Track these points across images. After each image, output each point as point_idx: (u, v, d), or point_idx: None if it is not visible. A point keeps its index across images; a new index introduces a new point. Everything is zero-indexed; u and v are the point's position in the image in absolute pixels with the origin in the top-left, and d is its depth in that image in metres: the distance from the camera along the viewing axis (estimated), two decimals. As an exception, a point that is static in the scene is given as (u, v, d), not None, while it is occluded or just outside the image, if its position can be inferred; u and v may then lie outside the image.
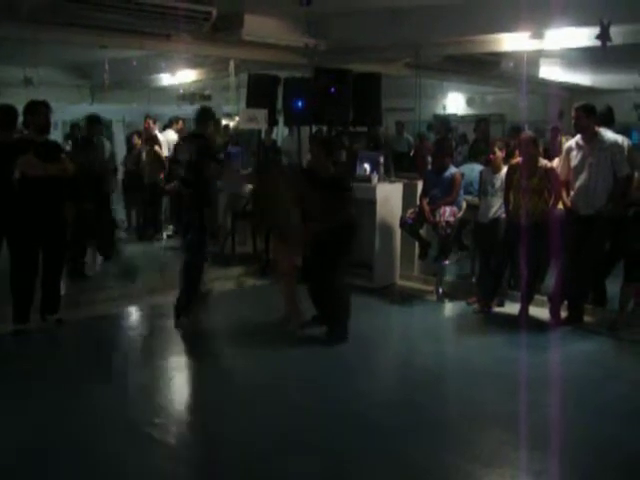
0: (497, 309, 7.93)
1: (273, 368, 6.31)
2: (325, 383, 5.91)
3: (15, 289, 6.97)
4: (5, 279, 7.05)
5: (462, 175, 8.35)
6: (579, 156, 7.20)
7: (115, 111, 17.84)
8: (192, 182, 7.12)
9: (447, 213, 8.03)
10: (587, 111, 7.13)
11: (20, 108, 7.19)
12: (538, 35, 8.58)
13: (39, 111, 6.98)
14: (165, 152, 11.96)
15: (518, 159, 7.55)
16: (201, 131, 7.34)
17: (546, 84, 13.38)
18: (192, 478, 4.46)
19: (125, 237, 12.37)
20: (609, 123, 7.51)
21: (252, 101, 10.30)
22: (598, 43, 7.98)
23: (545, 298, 7.66)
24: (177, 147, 10.66)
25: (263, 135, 11.63)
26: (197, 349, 6.88)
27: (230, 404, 5.55)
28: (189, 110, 15.72)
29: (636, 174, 7.21)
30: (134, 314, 8.17)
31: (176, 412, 5.42)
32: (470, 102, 18.32)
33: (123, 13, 8.09)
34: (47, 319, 7.25)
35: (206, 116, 7.43)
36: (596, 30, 7.85)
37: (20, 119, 7.20)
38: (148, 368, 6.30)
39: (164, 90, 14.28)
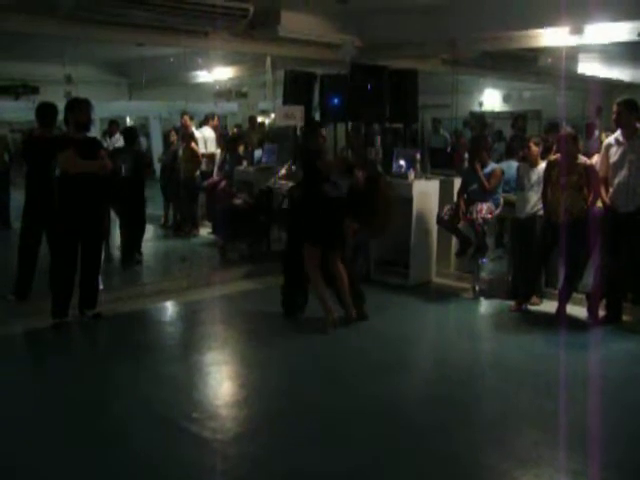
0: (534, 307, 7.87)
1: (307, 365, 6.34)
2: (361, 380, 5.91)
3: (54, 284, 7.07)
4: (45, 274, 7.16)
5: (502, 171, 8.29)
6: (619, 152, 7.11)
7: (152, 108, 17.98)
8: None
9: (484, 210, 7.99)
10: (629, 107, 7.04)
11: (60, 105, 7.28)
12: (577, 30, 8.48)
13: (80, 108, 7.06)
14: (202, 149, 12.05)
15: (557, 155, 7.49)
16: None
17: (584, 80, 13.22)
18: (229, 472, 4.48)
19: (162, 233, 12.50)
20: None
21: (288, 98, 10.32)
22: (638, 38, 7.88)
23: (583, 296, 7.59)
24: None
25: (298, 132, 11.64)
26: (233, 345, 6.92)
27: (266, 400, 5.58)
28: (226, 107, 15.83)
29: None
30: (171, 309, 8.23)
31: (213, 407, 5.45)
32: (507, 98, 18.16)
33: (161, 11, 8.15)
34: (85, 314, 7.35)
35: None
36: (637, 24, 7.75)
37: (61, 116, 7.29)
38: (185, 363, 6.35)
39: (201, 87, 14.33)
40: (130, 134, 10.29)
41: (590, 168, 7.25)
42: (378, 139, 10.46)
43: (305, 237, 7.18)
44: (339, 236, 7.27)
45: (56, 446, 4.70)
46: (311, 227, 7.15)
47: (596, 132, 12.00)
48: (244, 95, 14.45)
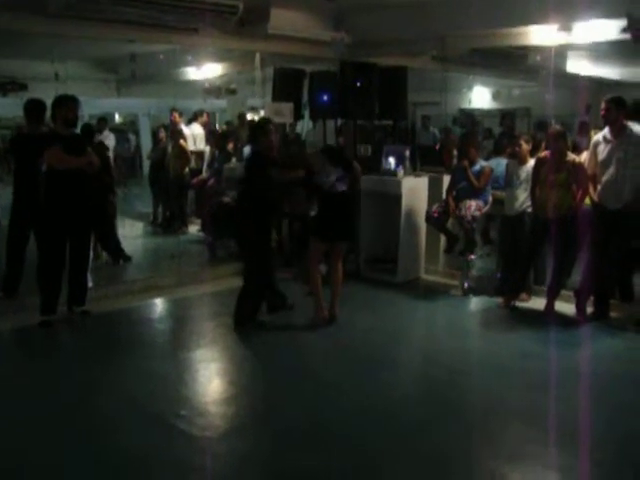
0: (523, 304, 7.89)
1: (295, 362, 6.35)
2: (348, 377, 5.92)
3: (42, 281, 7.06)
4: (33, 270, 7.14)
5: (491, 169, 8.31)
6: (606, 150, 7.14)
7: (141, 105, 17.92)
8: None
9: (473, 207, 8.01)
10: (617, 104, 7.06)
11: (49, 102, 7.26)
12: (566, 28, 8.49)
13: (67, 105, 7.04)
14: (191, 146, 12.02)
15: (545, 153, 7.51)
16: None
17: (573, 78, 13.24)
18: (217, 470, 4.48)
19: (151, 230, 12.47)
20: (637, 117, 7.44)
21: (278, 95, 10.31)
22: (627, 36, 7.89)
23: (571, 293, 7.61)
24: None
25: (287, 129, 11.63)
26: (221, 342, 6.91)
27: (255, 397, 5.60)
28: (215, 104, 15.79)
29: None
30: (160, 306, 8.22)
31: (202, 404, 5.45)
32: (496, 96, 18.17)
33: (150, 8, 8.12)
34: (74, 310, 7.34)
35: None
36: (624, 22, 7.76)
37: (48, 113, 7.27)
38: (174, 360, 6.35)
39: (190, 84, 14.29)
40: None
41: (579, 165, 7.28)
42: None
43: (313, 232, 7.21)
44: (350, 231, 7.30)
45: (43, 443, 4.70)
46: (321, 223, 7.16)
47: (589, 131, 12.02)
48: (233, 92, 14.40)
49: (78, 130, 7.64)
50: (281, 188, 7.24)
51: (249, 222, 6.97)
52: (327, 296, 7.25)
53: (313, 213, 7.52)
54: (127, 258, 9.78)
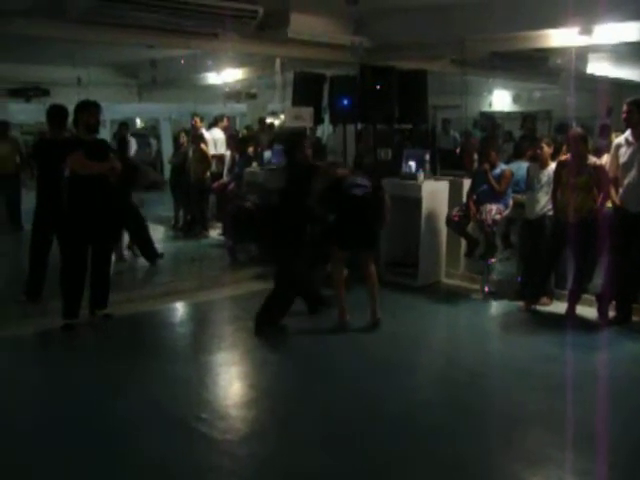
0: (544, 308, 7.85)
1: (316, 366, 6.35)
2: (370, 381, 5.91)
3: (65, 285, 7.10)
4: (56, 274, 7.19)
5: (512, 173, 8.28)
6: (628, 152, 7.09)
7: (162, 109, 18.05)
8: None
9: (493, 211, 7.98)
10: (639, 106, 7.02)
11: (71, 108, 7.32)
12: (587, 30, 8.46)
13: (89, 110, 7.09)
14: (211, 150, 12.07)
15: (566, 156, 7.48)
16: None
17: (594, 80, 13.18)
18: (237, 472, 4.50)
19: (172, 234, 12.53)
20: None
21: (298, 99, 10.34)
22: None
23: (593, 297, 7.56)
24: None
25: (308, 133, 11.67)
26: (242, 345, 6.93)
27: (275, 401, 5.60)
28: (235, 108, 15.87)
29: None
30: (181, 310, 8.26)
31: (222, 407, 5.47)
32: (516, 99, 18.13)
33: (169, 13, 8.17)
34: (96, 314, 7.38)
35: None
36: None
37: (71, 118, 7.34)
38: (195, 363, 6.37)
39: (210, 88, 14.38)
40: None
41: (600, 168, 7.24)
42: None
43: (333, 241, 7.22)
44: (371, 237, 7.29)
45: (65, 446, 4.73)
46: (340, 231, 7.18)
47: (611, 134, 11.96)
48: (253, 96, 14.48)
49: (100, 135, 7.69)
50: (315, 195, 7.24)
51: (289, 232, 7.06)
52: (349, 300, 7.29)
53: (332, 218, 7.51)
54: (154, 260, 9.85)
